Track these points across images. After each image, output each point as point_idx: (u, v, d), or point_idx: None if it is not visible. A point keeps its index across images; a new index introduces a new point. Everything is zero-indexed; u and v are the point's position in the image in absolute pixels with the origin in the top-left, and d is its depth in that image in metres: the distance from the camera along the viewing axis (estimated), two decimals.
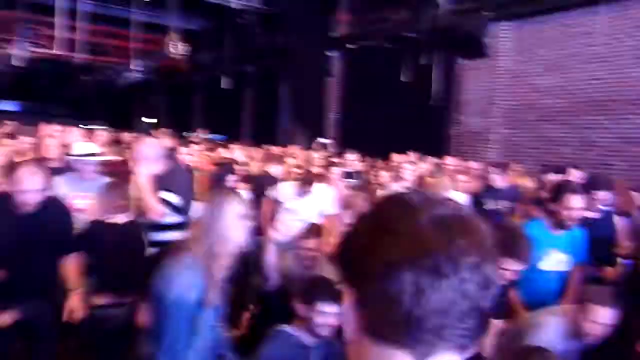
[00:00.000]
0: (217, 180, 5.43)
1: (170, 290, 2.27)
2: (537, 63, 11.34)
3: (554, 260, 3.79)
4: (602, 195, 4.62)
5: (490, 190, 5.88)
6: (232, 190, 2.63)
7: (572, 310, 2.98)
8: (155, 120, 23.11)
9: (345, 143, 12.43)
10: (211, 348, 2.51)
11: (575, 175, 5.85)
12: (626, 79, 9.74)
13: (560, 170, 6.14)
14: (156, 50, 19.20)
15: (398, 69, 13.17)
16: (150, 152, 3.85)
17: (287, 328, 2.86)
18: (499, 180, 5.91)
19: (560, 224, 3.70)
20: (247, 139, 15.31)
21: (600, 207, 4.66)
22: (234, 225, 2.36)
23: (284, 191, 5.35)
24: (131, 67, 20.22)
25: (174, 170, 4.15)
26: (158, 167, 3.84)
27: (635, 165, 9.23)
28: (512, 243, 2.77)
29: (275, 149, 10.25)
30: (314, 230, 4.19)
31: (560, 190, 3.73)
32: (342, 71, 16.19)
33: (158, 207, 3.72)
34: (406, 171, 6.60)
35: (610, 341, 2.95)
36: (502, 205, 5.72)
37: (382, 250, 0.73)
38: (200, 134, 14.22)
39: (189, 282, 2.29)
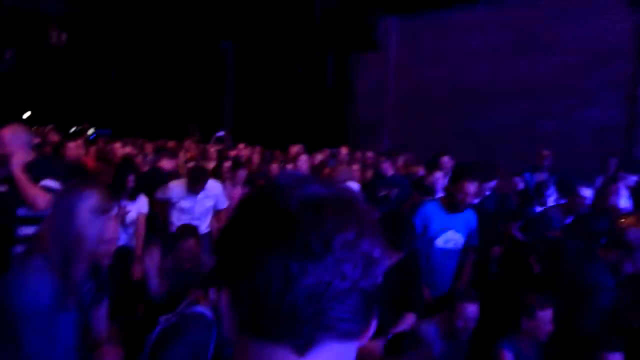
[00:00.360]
0: (116, 177, 5.08)
1: (17, 298, 1.99)
2: (424, 56, 11.87)
3: (450, 239, 4.08)
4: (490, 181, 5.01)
5: (381, 179, 6.10)
6: (90, 183, 2.19)
7: (443, 314, 3.27)
8: (29, 114, 21.43)
9: (240, 135, 12.28)
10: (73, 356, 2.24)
11: (446, 164, 6.25)
12: (503, 71, 10.47)
13: (436, 160, 6.49)
14: (34, 39, 17.79)
15: (293, 61, 13.23)
16: (17, 141, 3.51)
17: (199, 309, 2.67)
18: (388, 169, 6.13)
19: (455, 206, 3.98)
20: (139, 133, 14.68)
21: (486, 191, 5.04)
22: (90, 222, 2.07)
23: (175, 189, 5.16)
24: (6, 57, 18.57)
25: (51, 160, 3.84)
26: (28, 156, 3.52)
27: (514, 152, 9.93)
28: (392, 232, 2.89)
29: (169, 143, 9.90)
30: (192, 231, 4.09)
31: (457, 175, 3.99)
32: (236, 63, 15.97)
33: (40, 196, 3.40)
34: (302, 162, 6.63)
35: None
36: (392, 192, 5.93)
37: (246, 237, 0.67)
38: (85, 128, 13.41)
39: (37, 287, 2.01)
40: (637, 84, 8.95)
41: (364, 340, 0.70)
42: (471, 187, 3.94)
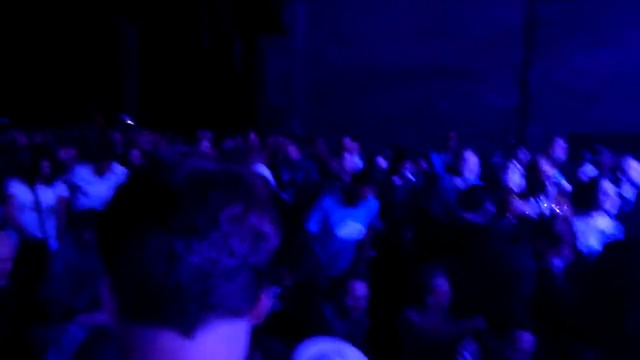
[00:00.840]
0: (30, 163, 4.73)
1: None
2: (331, 39, 11.98)
3: (349, 229, 4.28)
4: (409, 166, 5.37)
5: (288, 163, 6.17)
6: None
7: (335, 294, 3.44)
8: None
9: (145, 121, 11.86)
10: None
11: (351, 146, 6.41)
12: (408, 55, 10.79)
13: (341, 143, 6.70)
14: None
15: (200, 44, 12.91)
16: None
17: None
18: (294, 152, 6.22)
19: (354, 199, 4.20)
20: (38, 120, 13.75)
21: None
22: None
23: (80, 174, 4.91)
24: None
25: None
26: None
27: (419, 132, 10.29)
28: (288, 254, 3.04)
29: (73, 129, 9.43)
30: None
31: (369, 168, 4.22)
32: (140, 44, 15.32)
33: None
34: (205, 146, 6.54)
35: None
36: (298, 176, 6.04)
37: (125, 215, 0.62)
38: None
39: None
40: (529, 66, 9.57)
41: (256, 319, 0.68)
42: (367, 192, 4.22)
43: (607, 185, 4.11)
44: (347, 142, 6.60)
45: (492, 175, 5.86)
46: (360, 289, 3.35)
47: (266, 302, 0.68)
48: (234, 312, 0.64)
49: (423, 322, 3.43)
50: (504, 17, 9.79)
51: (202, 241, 0.60)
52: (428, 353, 3.20)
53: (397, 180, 6.05)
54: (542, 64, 9.44)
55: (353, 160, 6.29)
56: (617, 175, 5.63)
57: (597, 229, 3.96)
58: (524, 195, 4.67)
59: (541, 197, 4.73)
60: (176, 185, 0.62)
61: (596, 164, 6.66)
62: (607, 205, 4.02)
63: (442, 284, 3.48)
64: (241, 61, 13.16)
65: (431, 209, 5.02)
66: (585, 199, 4.05)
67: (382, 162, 6.41)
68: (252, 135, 8.21)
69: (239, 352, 0.67)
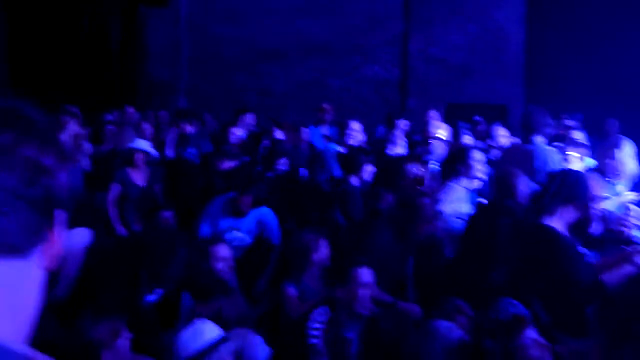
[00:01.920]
0: None
1: None
2: (217, 14, 11.67)
3: (235, 238, 4.36)
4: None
5: (180, 138, 6.08)
6: None
7: None
8: None
9: (18, 94, 10.90)
10: None
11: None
12: (294, 31, 10.79)
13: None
14: None
15: (74, 15, 12.03)
16: None
17: None
18: (189, 129, 6.14)
19: (239, 211, 4.31)
20: None
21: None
22: None
23: None
24: None
25: None
26: None
27: (307, 108, 10.40)
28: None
29: None
30: None
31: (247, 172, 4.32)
32: (6, 15, 13.96)
33: None
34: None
35: None
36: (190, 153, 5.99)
37: None
38: None
39: None
40: (408, 42, 9.98)
41: (48, 261, 0.64)
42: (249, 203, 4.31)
43: (477, 154, 4.44)
44: (247, 117, 6.62)
45: (376, 145, 6.08)
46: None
47: (58, 243, 0.65)
48: (10, 249, 0.60)
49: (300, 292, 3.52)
50: None
51: None
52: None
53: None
54: (420, 39, 9.89)
55: (238, 135, 6.28)
56: (488, 142, 6.11)
57: (466, 194, 4.28)
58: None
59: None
60: None
61: (472, 132, 7.18)
62: (477, 172, 4.33)
63: (322, 247, 3.59)
64: (121, 35, 12.44)
65: (316, 179, 5.17)
66: (456, 166, 4.32)
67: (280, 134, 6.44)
68: (130, 110, 7.86)
69: (18, 294, 0.62)
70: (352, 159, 4.66)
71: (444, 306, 3.07)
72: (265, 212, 4.44)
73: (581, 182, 3.08)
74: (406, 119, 7.58)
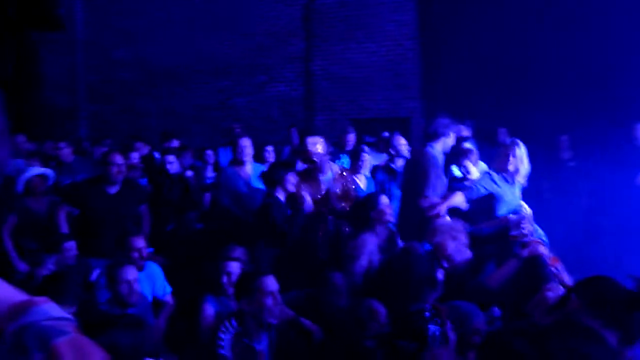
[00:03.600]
0: None
1: None
2: (113, 36, 11.30)
3: None
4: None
5: (61, 165, 5.95)
6: None
7: None
8: None
9: None
10: None
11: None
12: (196, 51, 10.66)
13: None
14: None
15: None
16: None
17: None
18: (68, 155, 6.04)
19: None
20: None
21: None
22: None
23: None
24: None
25: None
26: None
27: (211, 129, 10.27)
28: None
29: None
30: None
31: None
32: None
33: None
34: None
35: None
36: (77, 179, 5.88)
37: None
38: None
39: None
40: (310, 59, 10.17)
41: None
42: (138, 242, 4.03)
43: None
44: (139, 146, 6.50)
45: (284, 162, 6.11)
46: None
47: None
48: None
49: (217, 308, 3.48)
50: (285, 13, 10.25)
51: None
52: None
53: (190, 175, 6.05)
54: (321, 57, 10.10)
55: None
56: (390, 151, 6.33)
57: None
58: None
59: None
60: None
61: (375, 145, 7.41)
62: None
63: (235, 266, 3.57)
64: (11, 60, 11.70)
65: (219, 199, 5.14)
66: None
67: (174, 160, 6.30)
68: (20, 138, 7.44)
69: None
70: (272, 173, 4.67)
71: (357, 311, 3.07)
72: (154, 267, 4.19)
73: None
74: (314, 135, 7.68)
